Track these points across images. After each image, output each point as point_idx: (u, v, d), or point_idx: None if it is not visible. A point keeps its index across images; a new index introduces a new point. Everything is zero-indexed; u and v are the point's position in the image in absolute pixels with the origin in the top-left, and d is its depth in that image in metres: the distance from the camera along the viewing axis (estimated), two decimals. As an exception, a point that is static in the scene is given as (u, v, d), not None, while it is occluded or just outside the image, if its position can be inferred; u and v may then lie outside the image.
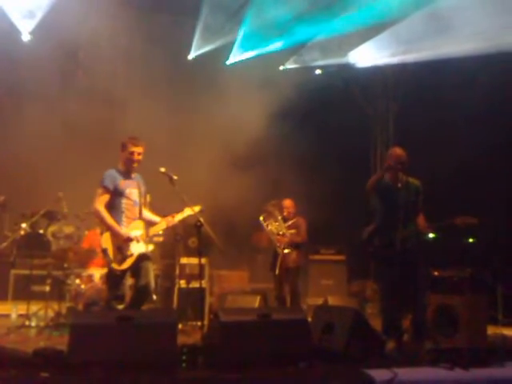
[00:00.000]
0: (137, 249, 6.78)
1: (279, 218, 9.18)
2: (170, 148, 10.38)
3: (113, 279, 6.76)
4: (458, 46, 9.99)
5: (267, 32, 11.41)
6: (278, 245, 9.04)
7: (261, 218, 9.18)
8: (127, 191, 6.84)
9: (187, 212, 7.04)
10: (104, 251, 6.67)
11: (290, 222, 9.25)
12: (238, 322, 5.64)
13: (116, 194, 6.77)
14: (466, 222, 6.80)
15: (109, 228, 6.69)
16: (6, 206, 9.98)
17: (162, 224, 7.12)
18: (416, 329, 7.01)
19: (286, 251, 8.93)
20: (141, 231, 6.90)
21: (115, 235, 6.68)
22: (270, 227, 9.14)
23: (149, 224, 7.09)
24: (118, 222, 6.74)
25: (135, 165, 6.92)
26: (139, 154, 6.89)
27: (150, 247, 6.99)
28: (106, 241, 6.68)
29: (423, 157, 9.91)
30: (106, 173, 6.82)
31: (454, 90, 10.31)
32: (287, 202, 9.39)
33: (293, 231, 9.17)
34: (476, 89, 9.91)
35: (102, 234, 6.78)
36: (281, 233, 9.08)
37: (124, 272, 6.73)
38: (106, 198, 6.73)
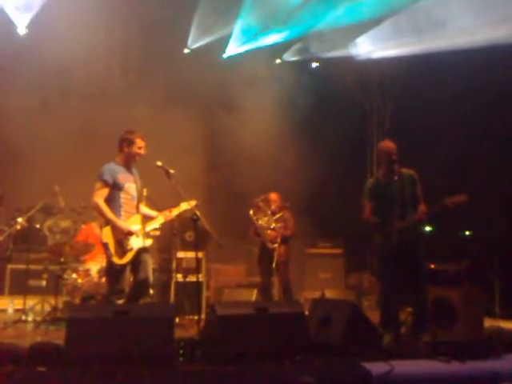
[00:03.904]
0: (136, 243, 6.77)
1: (268, 212, 9.21)
2: (167, 142, 10.35)
3: (113, 274, 6.73)
4: (454, 40, 9.98)
5: (263, 25, 11.38)
6: (269, 239, 9.07)
7: (251, 213, 9.19)
8: (126, 185, 6.80)
9: (184, 206, 7.05)
10: (105, 245, 6.64)
11: (277, 216, 9.27)
12: (235, 315, 5.64)
13: (115, 188, 6.73)
14: (455, 202, 6.75)
15: (109, 222, 6.65)
16: (3, 201, 9.98)
17: (159, 218, 7.12)
18: (417, 322, 7.02)
19: (274, 246, 8.96)
20: (139, 226, 6.89)
21: (116, 229, 6.66)
22: (260, 222, 9.17)
23: (146, 218, 7.08)
24: (117, 216, 6.70)
25: (137, 159, 6.94)
26: (144, 147, 6.91)
27: (149, 242, 6.97)
28: (107, 235, 6.64)
29: (419, 152, 9.92)
30: (105, 166, 6.78)
31: (451, 85, 10.31)
32: (273, 196, 9.42)
33: (281, 225, 9.19)
34: (473, 84, 9.92)
35: (101, 228, 6.76)
36: (271, 227, 9.11)
37: (124, 266, 6.71)
38: (105, 191, 6.68)
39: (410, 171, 7.21)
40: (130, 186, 6.86)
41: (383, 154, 7.23)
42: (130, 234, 6.70)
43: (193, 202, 6.97)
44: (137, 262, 6.77)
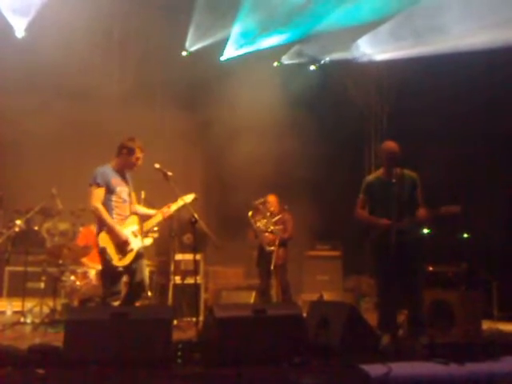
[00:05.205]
0: (136, 244, 6.79)
1: (267, 214, 9.20)
2: (165, 142, 10.36)
3: (111, 276, 6.71)
4: (452, 43, 10.00)
5: (261, 28, 11.39)
6: (267, 241, 9.07)
7: (249, 215, 9.19)
8: (118, 189, 6.82)
9: (182, 202, 7.02)
10: (102, 250, 6.62)
11: (276, 218, 9.27)
12: (233, 317, 5.64)
13: (107, 192, 6.74)
14: (450, 211, 6.76)
15: (108, 226, 6.64)
16: (1, 203, 9.96)
17: (157, 216, 7.13)
18: (412, 325, 7.02)
19: (271, 249, 8.96)
20: (137, 226, 6.91)
21: (115, 234, 6.66)
22: (258, 224, 9.17)
23: (144, 218, 7.08)
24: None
25: (134, 169, 6.98)
26: (142, 158, 6.94)
27: (148, 241, 6.99)
28: (104, 240, 6.63)
29: (417, 154, 9.91)
30: (98, 169, 6.80)
31: (449, 87, 10.32)
32: (271, 198, 9.42)
33: (280, 227, 9.19)
34: (470, 87, 9.93)
35: (98, 233, 6.73)
36: (269, 230, 9.11)
37: (127, 268, 6.72)
38: (101, 194, 6.69)
39: (412, 173, 7.19)
40: (122, 189, 6.88)
41: (384, 154, 7.23)
42: (127, 244, 6.70)
43: (191, 196, 7.00)
44: (132, 265, 6.78)
